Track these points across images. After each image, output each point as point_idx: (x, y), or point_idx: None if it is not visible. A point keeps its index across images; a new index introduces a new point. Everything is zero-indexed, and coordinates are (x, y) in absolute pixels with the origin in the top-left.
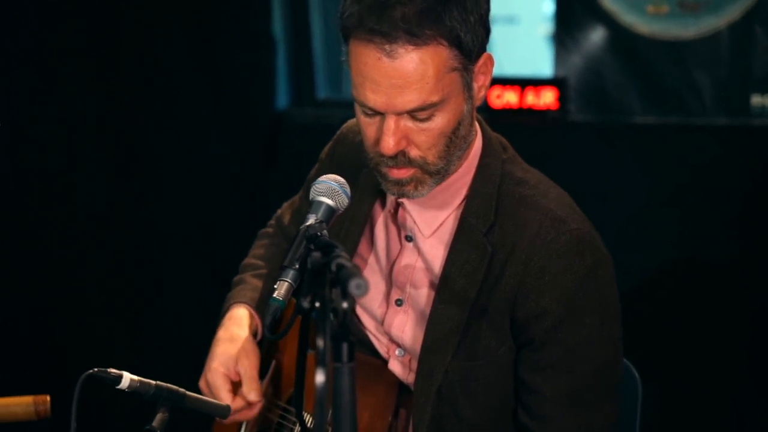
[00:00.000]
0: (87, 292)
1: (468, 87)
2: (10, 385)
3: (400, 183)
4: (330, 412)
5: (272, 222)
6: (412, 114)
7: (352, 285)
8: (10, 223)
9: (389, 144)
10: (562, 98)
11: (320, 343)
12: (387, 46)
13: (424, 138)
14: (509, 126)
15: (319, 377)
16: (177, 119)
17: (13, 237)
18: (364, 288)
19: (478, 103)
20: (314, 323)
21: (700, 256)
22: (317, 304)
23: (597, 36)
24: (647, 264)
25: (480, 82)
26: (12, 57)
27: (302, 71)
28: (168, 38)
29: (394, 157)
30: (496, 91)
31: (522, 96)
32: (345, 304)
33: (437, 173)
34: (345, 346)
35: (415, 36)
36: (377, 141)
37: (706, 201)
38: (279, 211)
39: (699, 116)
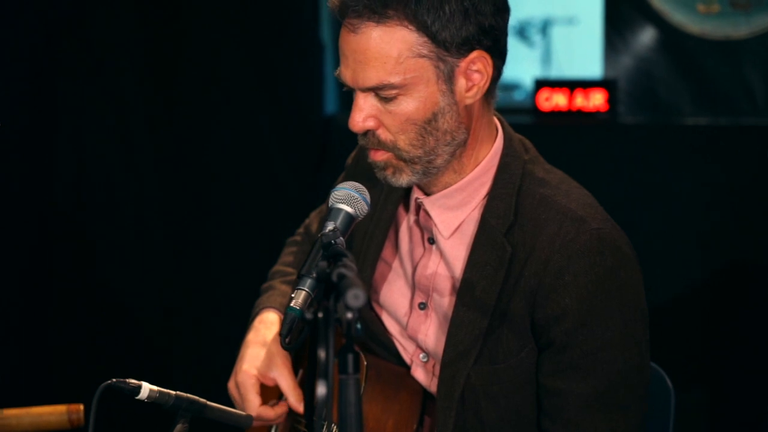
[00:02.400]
0: (117, 300)
1: (446, 80)
2: (32, 394)
3: (378, 167)
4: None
5: (300, 230)
6: (377, 93)
7: (350, 296)
8: (47, 230)
9: (354, 119)
10: (611, 100)
11: (321, 354)
12: (353, 21)
13: (391, 121)
14: (558, 128)
15: (321, 389)
16: (227, 125)
17: (51, 243)
18: (362, 299)
19: (468, 101)
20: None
21: (758, 261)
22: (320, 315)
23: (646, 36)
24: (700, 266)
25: (473, 80)
26: (60, 58)
27: None
28: (220, 44)
29: (365, 135)
30: (545, 93)
31: (571, 98)
32: (349, 315)
33: (413, 162)
34: (350, 357)
35: (376, 14)
36: None
37: (760, 203)
38: (307, 220)
39: (751, 116)
